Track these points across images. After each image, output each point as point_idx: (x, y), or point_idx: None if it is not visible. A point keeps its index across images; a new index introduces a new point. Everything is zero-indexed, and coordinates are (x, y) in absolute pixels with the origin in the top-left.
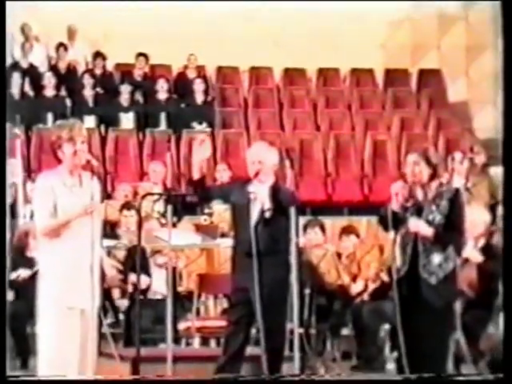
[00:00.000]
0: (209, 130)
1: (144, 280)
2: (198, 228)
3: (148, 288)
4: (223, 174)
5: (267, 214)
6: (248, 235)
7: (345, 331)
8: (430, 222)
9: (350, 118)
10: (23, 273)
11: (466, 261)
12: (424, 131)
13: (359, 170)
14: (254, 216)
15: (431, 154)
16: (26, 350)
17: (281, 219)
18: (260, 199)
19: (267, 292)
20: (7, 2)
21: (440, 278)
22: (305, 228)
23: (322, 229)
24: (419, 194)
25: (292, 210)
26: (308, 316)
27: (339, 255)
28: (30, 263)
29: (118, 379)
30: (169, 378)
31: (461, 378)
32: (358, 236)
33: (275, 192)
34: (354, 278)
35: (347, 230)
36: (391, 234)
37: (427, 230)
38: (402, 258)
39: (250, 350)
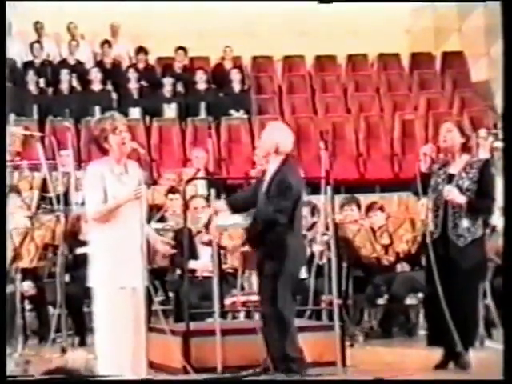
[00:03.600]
0: (246, 116)
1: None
2: None
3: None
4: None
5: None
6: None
7: (380, 301)
8: (460, 188)
9: (379, 100)
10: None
11: (494, 229)
12: (449, 110)
13: (389, 149)
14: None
15: (465, 125)
16: (83, 328)
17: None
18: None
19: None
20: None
21: (468, 241)
22: (342, 205)
23: (358, 206)
24: (451, 161)
25: (328, 189)
26: (346, 288)
27: (373, 230)
28: (83, 246)
29: (118, 379)
30: (169, 378)
31: (461, 379)
32: (382, 210)
33: (277, 172)
34: (388, 251)
35: (372, 207)
36: (423, 199)
37: (461, 198)
38: (434, 222)
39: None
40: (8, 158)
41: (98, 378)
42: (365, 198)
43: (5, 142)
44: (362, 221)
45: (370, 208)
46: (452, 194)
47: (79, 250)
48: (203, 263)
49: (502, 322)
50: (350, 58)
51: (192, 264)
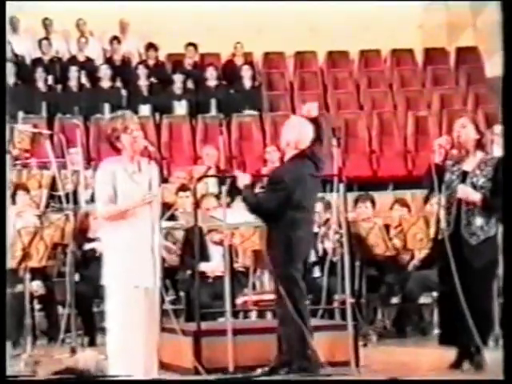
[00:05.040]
0: (257, 113)
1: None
2: None
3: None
4: (273, 155)
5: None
6: None
7: (394, 300)
8: (474, 186)
9: (392, 96)
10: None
11: None
12: (463, 107)
13: (402, 146)
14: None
15: (480, 122)
16: (93, 328)
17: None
18: None
19: None
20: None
21: (480, 239)
22: (355, 202)
23: (373, 203)
24: (465, 158)
25: (341, 186)
26: (359, 287)
27: (387, 228)
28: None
29: (117, 379)
30: (180, 378)
31: (462, 378)
32: (409, 210)
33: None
34: (401, 249)
35: (400, 202)
36: (435, 197)
37: (475, 196)
38: (447, 220)
39: None
40: (16, 155)
41: (108, 379)
42: (378, 196)
43: (5, 140)
44: (374, 219)
45: (396, 202)
46: (466, 192)
47: (88, 247)
48: (214, 265)
49: (502, 321)
50: (363, 53)
51: (203, 266)
